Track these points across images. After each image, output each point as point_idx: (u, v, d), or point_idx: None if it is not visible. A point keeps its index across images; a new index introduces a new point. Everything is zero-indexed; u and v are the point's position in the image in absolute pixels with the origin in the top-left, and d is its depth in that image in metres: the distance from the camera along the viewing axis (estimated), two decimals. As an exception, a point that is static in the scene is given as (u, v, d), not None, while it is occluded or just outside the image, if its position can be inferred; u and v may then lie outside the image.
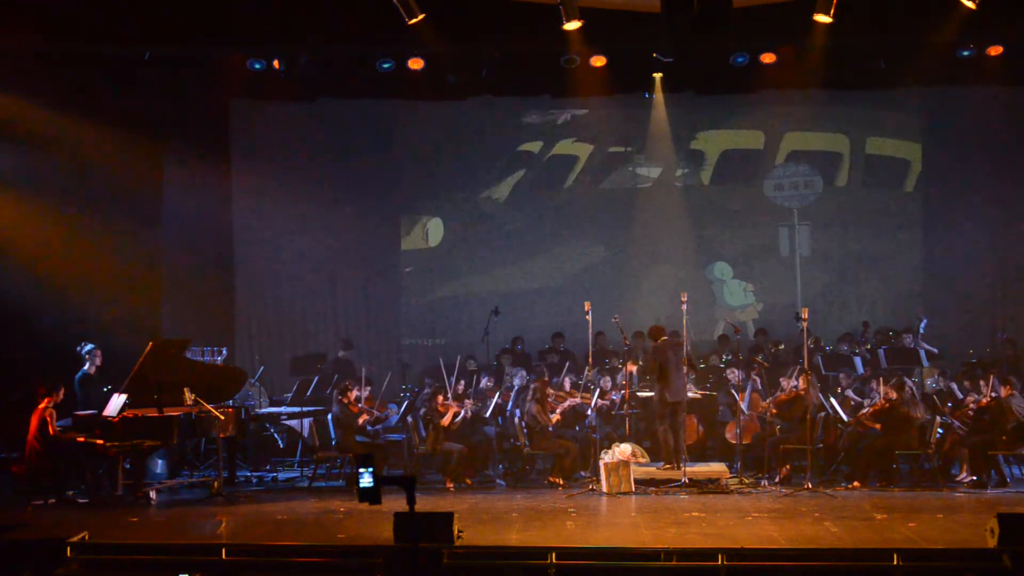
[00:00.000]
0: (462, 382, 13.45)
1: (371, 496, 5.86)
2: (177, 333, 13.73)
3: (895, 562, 8.37)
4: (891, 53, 14.90)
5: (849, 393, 13.12)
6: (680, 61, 15.20)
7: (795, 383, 12.62)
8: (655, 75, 15.84)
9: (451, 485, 12.17)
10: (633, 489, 11.67)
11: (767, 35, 13.93)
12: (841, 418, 12.57)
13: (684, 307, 12.46)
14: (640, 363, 13.33)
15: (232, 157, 16.12)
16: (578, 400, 13.19)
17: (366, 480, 5.84)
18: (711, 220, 16.90)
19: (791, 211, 16.88)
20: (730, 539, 9.11)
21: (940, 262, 16.50)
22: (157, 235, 15.31)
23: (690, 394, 12.95)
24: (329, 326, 16.73)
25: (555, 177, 17.09)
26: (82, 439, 11.54)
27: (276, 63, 14.81)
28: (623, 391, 13.10)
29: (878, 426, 12.11)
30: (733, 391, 13.12)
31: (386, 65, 14.88)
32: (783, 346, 15.46)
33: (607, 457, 11.93)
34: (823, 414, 12.63)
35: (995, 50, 14.56)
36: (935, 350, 14.76)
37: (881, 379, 12.38)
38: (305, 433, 13.77)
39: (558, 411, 12.77)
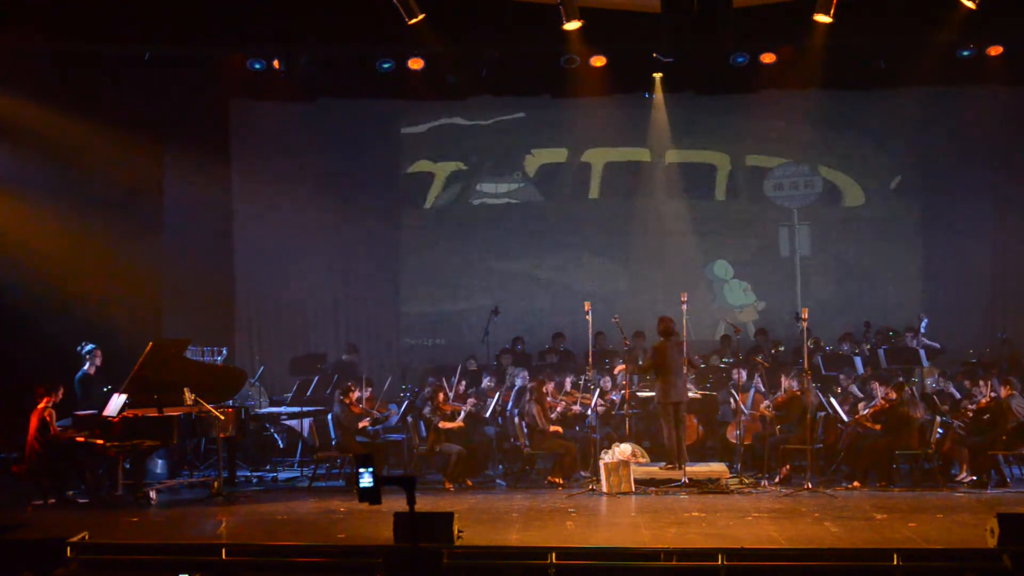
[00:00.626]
0: (463, 382, 13.46)
1: (371, 496, 5.86)
2: (177, 333, 13.71)
3: (895, 562, 8.38)
4: (891, 53, 14.91)
5: (853, 389, 13.12)
6: (680, 61, 15.21)
7: (793, 383, 12.61)
8: (655, 75, 15.86)
9: (450, 486, 12.16)
10: (633, 489, 11.66)
11: (767, 35, 13.94)
12: (841, 418, 12.57)
13: (684, 307, 12.47)
14: (638, 362, 13.32)
15: (232, 157, 16.11)
16: (576, 403, 13.18)
17: (366, 480, 5.85)
18: (717, 229, 16.90)
19: (791, 211, 16.89)
20: (730, 539, 9.10)
21: (940, 262, 16.51)
22: (157, 235, 15.31)
23: (690, 394, 12.96)
24: (329, 326, 16.72)
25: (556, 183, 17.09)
26: (82, 439, 11.54)
27: (276, 63, 14.82)
28: (623, 391, 13.11)
29: (878, 427, 12.11)
30: (734, 391, 13.12)
31: (386, 65, 14.89)
32: (783, 347, 15.46)
33: (607, 457, 11.92)
34: (823, 414, 12.64)
35: (995, 50, 14.59)
36: (938, 346, 14.74)
37: (878, 382, 12.36)
38: (305, 433, 13.76)
39: (554, 416, 12.75)
